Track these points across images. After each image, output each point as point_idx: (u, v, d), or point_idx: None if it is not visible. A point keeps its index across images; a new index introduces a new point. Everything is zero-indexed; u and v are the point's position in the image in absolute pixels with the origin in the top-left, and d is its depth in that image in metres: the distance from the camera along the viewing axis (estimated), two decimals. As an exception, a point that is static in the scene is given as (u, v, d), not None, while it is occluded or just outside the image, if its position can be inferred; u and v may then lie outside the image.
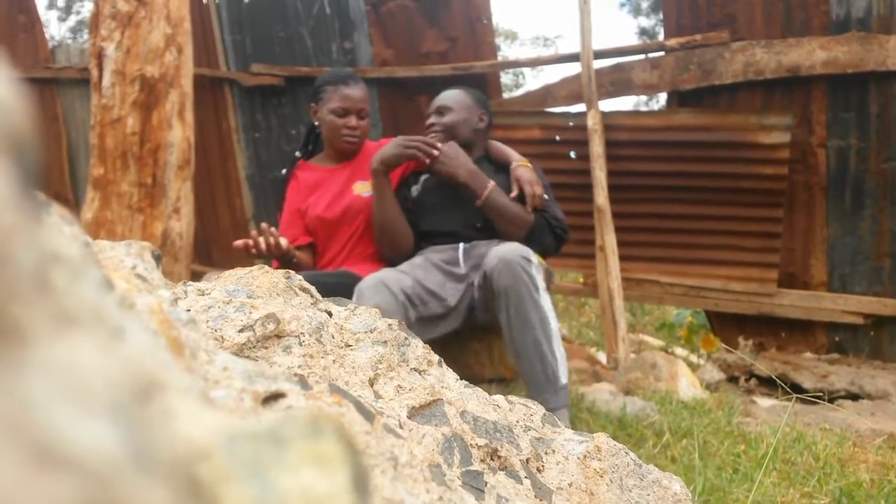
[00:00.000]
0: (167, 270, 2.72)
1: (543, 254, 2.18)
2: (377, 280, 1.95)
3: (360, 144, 2.32)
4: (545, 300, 1.91)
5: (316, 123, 2.37)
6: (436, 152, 2.15)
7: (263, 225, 2.01)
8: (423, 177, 2.32)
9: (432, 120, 2.33)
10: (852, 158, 3.36)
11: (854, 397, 2.97)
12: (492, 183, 2.14)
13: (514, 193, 2.16)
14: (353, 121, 2.26)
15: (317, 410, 0.46)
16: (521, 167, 2.22)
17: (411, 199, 2.29)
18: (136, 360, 0.15)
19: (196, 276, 4.09)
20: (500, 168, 2.29)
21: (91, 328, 0.14)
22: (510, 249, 1.91)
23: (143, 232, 2.69)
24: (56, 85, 4.99)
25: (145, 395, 0.14)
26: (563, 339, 4.60)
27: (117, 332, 0.18)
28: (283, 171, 2.45)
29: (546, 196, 2.22)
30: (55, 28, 16.68)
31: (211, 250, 4.90)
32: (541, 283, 1.91)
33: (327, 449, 0.17)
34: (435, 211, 2.25)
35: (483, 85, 3.91)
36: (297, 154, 2.44)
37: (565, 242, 2.27)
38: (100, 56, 2.66)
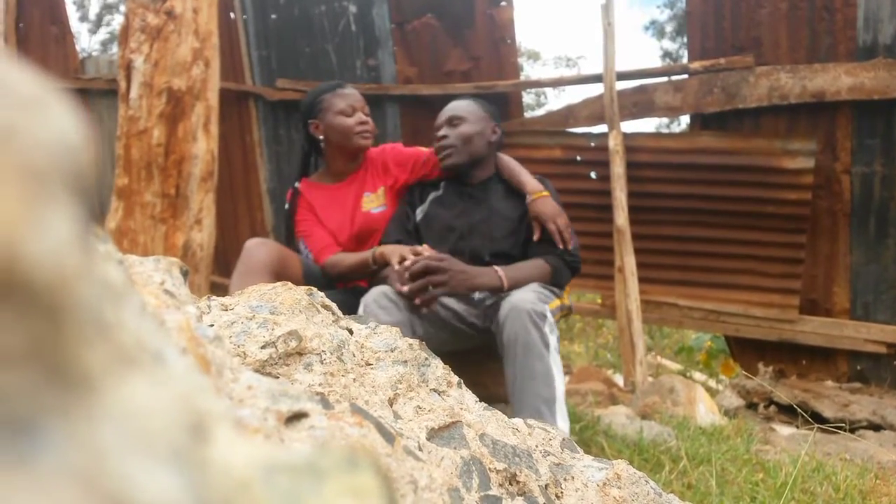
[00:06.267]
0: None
1: (558, 286, 2.05)
2: (380, 293, 1.88)
3: (372, 141, 2.26)
4: (554, 360, 1.76)
5: (320, 137, 2.26)
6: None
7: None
8: (432, 195, 2.19)
9: (444, 132, 2.15)
10: (877, 185, 3.32)
11: (876, 427, 2.92)
12: (499, 270, 1.95)
13: (537, 236, 2.03)
14: (362, 116, 2.21)
15: (345, 436, 0.46)
16: (539, 201, 2.05)
17: (414, 222, 2.17)
18: (182, 391, 0.15)
19: (215, 287, 4.12)
20: (512, 192, 2.14)
21: (142, 363, 0.14)
22: (526, 300, 1.77)
23: (164, 242, 2.71)
24: (85, 95, 5.08)
25: (195, 432, 0.14)
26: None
27: (158, 359, 0.18)
28: (286, 205, 2.35)
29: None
30: (85, 40, 17.01)
31: (230, 262, 4.92)
32: (553, 343, 1.78)
33: (364, 482, 0.17)
34: (443, 235, 2.12)
35: (505, 104, 3.93)
36: (297, 185, 2.32)
37: (578, 271, 2.13)
38: (128, 68, 2.70)
